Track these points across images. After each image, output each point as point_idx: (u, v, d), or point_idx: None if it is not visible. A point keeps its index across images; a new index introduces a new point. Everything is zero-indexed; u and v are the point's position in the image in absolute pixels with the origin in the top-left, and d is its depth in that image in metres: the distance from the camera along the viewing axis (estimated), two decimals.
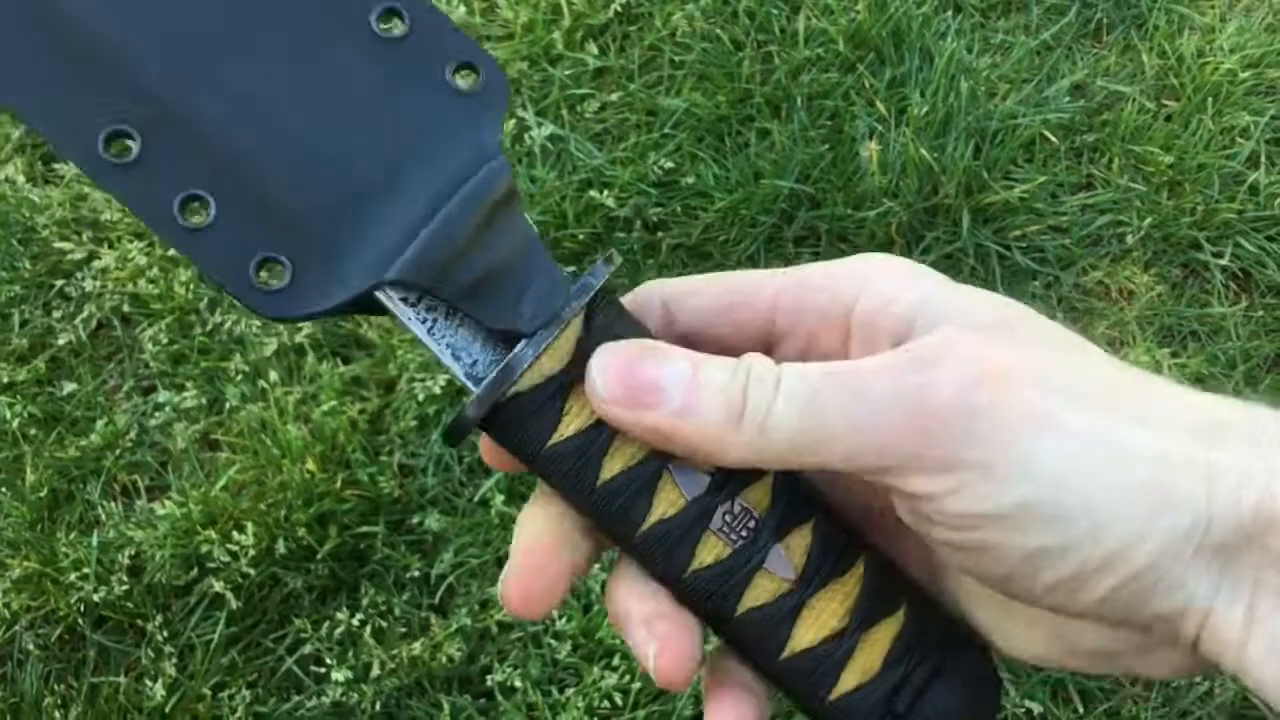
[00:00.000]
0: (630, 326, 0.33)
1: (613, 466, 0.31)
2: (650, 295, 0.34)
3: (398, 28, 0.33)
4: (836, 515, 0.33)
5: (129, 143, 0.30)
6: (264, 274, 0.30)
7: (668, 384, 0.30)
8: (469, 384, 0.32)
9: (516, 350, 0.31)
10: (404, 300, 0.31)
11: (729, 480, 0.32)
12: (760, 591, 0.31)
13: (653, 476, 0.31)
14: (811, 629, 0.31)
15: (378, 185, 0.31)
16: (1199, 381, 1.27)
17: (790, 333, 0.33)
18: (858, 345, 0.32)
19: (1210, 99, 1.42)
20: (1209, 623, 0.28)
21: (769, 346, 0.33)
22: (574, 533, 0.33)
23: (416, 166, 0.32)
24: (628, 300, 0.34)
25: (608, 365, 0.31)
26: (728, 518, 0.32)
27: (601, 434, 0.31)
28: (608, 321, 0.32)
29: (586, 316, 0.32)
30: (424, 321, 0.32)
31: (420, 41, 0.33)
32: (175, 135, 0.30)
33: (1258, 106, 1.42)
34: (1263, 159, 1.39)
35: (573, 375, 0.31)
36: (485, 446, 0.34)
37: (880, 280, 0.32)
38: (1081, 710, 1.06)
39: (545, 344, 0.31)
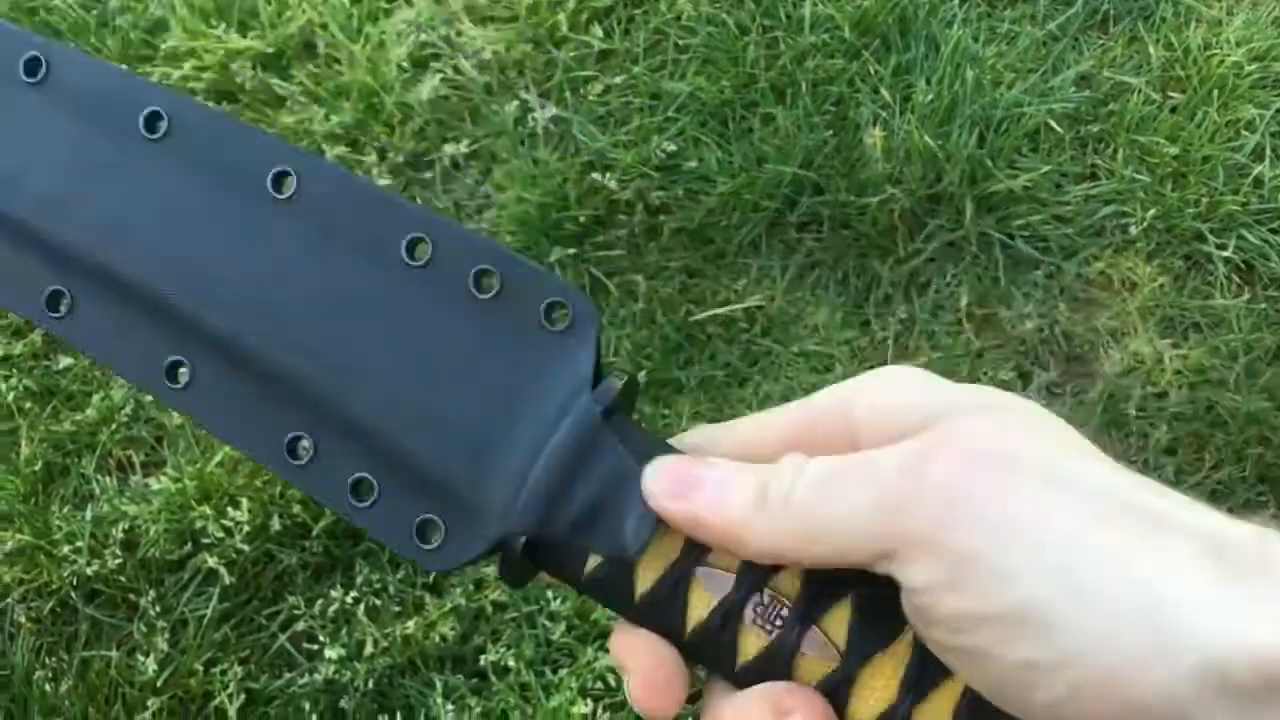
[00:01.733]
0: None
1: (646, 580, 0.33)
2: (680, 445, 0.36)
3: (493, 287, 0.36)
4: (877, 587, 0.32)
5: (305, 445, 0.36)
6: (424, 535, 0.35)
7: (706, 478, 0.32)
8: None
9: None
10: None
11: (750, 574, 0.33)
12: (806, 675, 0.32)
13: (681, 584, 0.33)
14: (865, 705, 0.31)
15: (497, 439, 0.35)
16: (1201, 372, 1.27)
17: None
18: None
19: (1216, 91, 1.41)
20: None
21: None
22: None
23: (524, 413, 0.35)
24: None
25: (662, 469, 0.33)
26: (759, 609, 0.33)
27: (680, 596, 0.33)
28: None
29: None
30: None
31: (513, 293, 0.36)
32: (339, 432, 0.36)
33: (1263, 99, 1.42)
34: (1268, 152, 1.39)
35: None
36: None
37: (885, 392, 0.32)
38: None
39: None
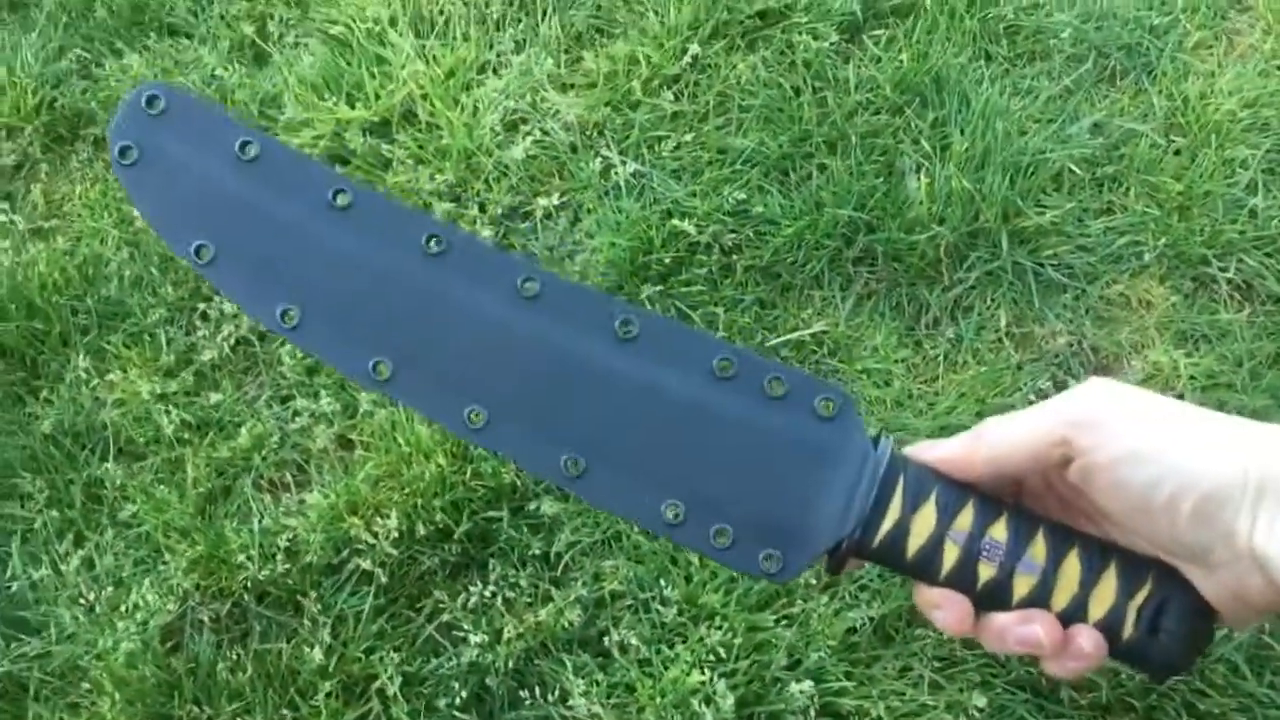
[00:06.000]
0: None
1: (913, 547, 0.53)
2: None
3: (782, 390, 0.54)
4: (1060, 525, 0.53)
5: (677, 512, 0.52)
6: (766, 564, 0.52)
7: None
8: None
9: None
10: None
11: (978, 520, 0.52)
12: (1022, 586, 0.52)
13: (937, 544, 0.52)
14: (1062, 596, 0.51)
15: (814, 493, 0.52)
16: (1211, 377, 1.47)
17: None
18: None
19: (1213, 135, 1.63)
20: (1255, 532, 0.46)
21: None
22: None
23: (826, 476, 0.52)
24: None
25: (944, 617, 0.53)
26: (988, 548, 0.52)
27: (902, 532, 0.52)
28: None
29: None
30: None
31: (796, 393, 0.54)
32: (698, 502, 0.52)
33: (1254, 141, 1.63)
34: (1260, 186, 1.60)
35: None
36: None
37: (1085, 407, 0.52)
38: None
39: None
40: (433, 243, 0.53)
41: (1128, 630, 0.50)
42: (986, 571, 0.52)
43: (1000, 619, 0.52)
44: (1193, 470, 0.46)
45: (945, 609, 0.52)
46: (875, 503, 0.52)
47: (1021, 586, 0.51)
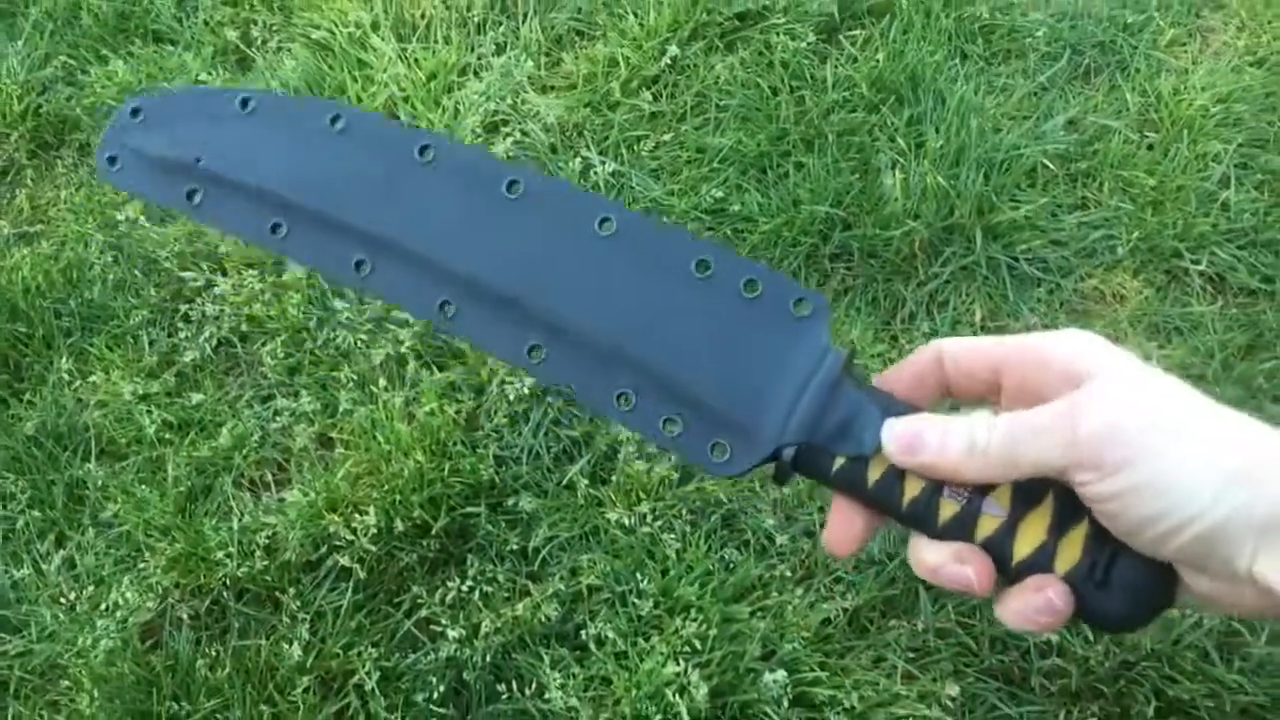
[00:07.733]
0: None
1: (875, 474, 0.50)
2: (930, 347, 0.53)
3: (757, 291, 0.53)
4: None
5: (629, 397, 0.52)
6: (716, 454, 0.51)
7: (928, 438, 0.48)
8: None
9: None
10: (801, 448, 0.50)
11: None
12: (983, 529, 0.49)
13: (900, 476, 0.50)
14: (1024, 544, 0.48)
15: (767, 388, 0.51)
16: (1183, 369, 1.48)
17: (1009, 379, 0.51)
18: (1050, 392, 0.48)
19: (1186, 130, 1.64)
20: (1256, 562, 0.43)
21: (996, 385, 0.51)
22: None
23: (786, 371, 0.51)
24: (914, 356, 0.53)
25: (895, 432, 0.49)
26: (951, 490, 0.49)
27: (898, 482, 0.50)
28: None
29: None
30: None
31: (770, 294, 0.53)
32: (652, 388, 0.52)
33: (1227, 135, 1.64)
34: (1232, 180, 1.61)
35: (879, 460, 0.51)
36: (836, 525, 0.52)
37: (1064, 347, 0.49)
38: (1091, 638, 1.26)
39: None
40: (424, 153, 0.57)
41: (1086, 583, 0.48)
42: (949, 509, 0.49)
43: (934, 556, 0.50)
44: (1199, 508, 0.43)
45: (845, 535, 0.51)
46: (819, 408, 0.50)
47: (983, 528, 0.49)
